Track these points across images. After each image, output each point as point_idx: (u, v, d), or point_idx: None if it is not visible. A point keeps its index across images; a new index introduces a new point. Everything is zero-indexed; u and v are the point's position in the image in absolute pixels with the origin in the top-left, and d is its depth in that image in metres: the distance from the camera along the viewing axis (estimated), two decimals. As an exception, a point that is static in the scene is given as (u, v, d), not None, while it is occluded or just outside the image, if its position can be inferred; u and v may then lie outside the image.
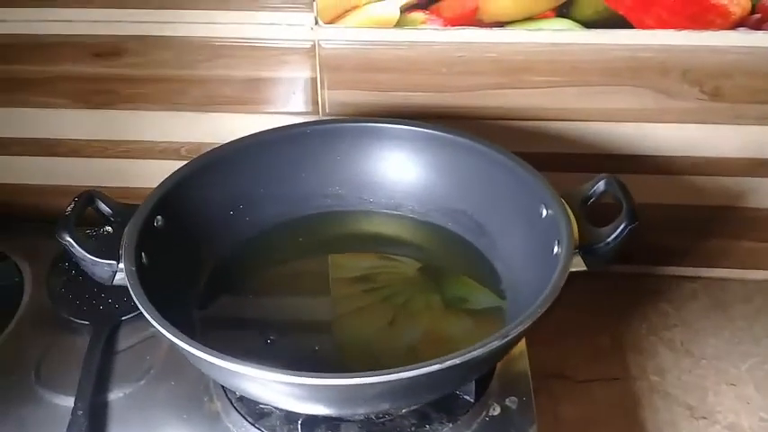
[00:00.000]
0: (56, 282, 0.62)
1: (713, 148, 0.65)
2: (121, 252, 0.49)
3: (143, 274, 0.48)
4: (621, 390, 0.63)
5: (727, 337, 0.69)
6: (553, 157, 0.65)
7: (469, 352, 0.40)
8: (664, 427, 0.60)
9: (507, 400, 0.50)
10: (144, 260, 0.50)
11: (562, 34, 0.60)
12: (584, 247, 0.47)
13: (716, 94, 0.63)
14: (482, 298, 0.56)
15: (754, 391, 0.63)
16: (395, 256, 0.62)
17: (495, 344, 0.40)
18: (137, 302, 0.45)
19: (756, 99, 0.63)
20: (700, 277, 0.73)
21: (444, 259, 0.61)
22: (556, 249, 0.49)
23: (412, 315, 0.55)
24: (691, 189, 0.68)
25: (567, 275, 0.45)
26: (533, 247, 0.52)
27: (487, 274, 0.57)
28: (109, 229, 0.61)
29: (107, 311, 0.60)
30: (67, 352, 0.57)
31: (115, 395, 0.53)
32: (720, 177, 0.67)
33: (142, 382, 0.55)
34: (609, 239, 0.47)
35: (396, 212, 0.63)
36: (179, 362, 0.55)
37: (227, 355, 0.42)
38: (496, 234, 0.57)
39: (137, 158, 0.68)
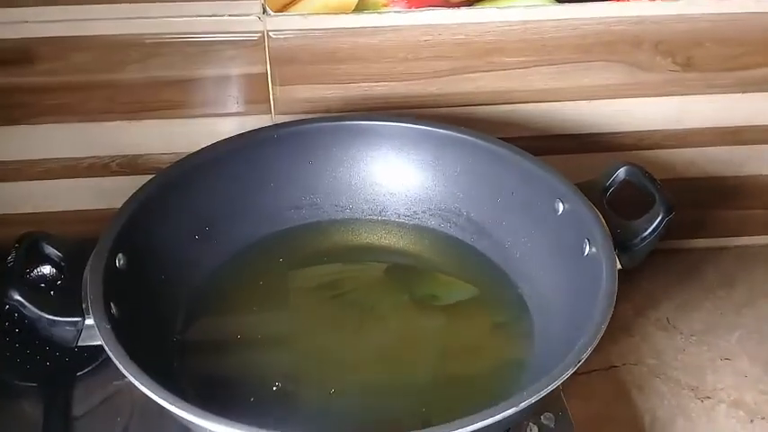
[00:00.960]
0: (-14, 339, 0.52)
1: (689, 120, 0.64)
2: (86, 305, 0.40)
3: (117, 330, 0.40)
4: (622, 378, 0.60)
5: (709, 308, 0.68)
6: (529, 141, 0.61)
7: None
8: (674, 414, 0.58)
9: (543, 417, 0.46)
10: (114, 311, 0.42)
11: (534, 11, 0.57)
12: (618, 245, 0.43)
13: (688, 65, 0.61)
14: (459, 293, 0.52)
15: (749, 364, 0.63)
16: (388, 265, 0.57)
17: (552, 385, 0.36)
18: (121, 368, 0.37)
19: (727, 67, 0.62)
20: (672, 249, 0.72)
21: (442, 265, 0.56)
22: (587, 249, 0.45)
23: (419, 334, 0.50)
24: (665, 163, 0.66)
25: (617, 278, 0.40)
26: (551, 247, 0.48)
27: (494, 277, 0.53)
28: (45, 269, 0.52)
29: (57, 368, 0.52)
30: (17, 424, 0.49)
31: (89, 472, 0.45)
32: (693, 149, 0.65)
33: None
34: (645, 234, 0.44)
35: (379, 218, 0.58)
36: (157, 417, 0.47)
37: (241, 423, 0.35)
38: (502, 234, 0.53)
39: (59, 178, 0.60)
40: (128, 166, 0.60)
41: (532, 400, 0.34)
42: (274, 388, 0.46)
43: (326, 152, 0.56)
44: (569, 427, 0.46)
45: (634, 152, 0.64)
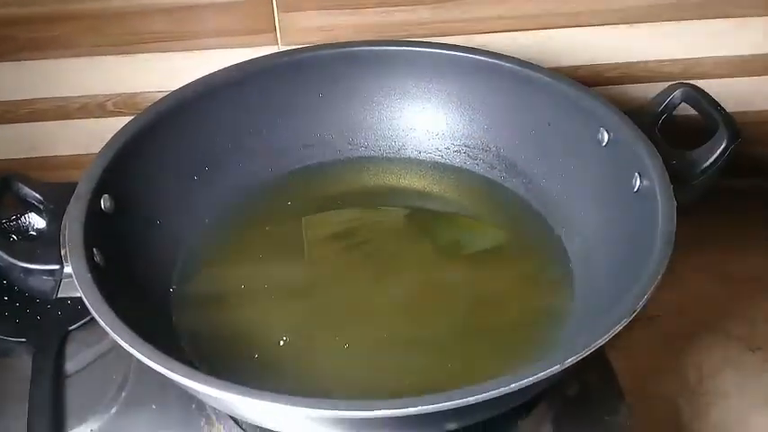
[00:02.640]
0: (-31, 293, 0.49)
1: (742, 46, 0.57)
2: (65, 252, 0.36)
3: (100, 280, 0.35)
4: (665, 329, 0.55)
5: (760, 253, 0.62)
6: (565, 72, 0.55)
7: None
8: (722, 366, 0.54)
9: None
10: (97, 259, 0.37)
11: None
12: (675, 178, 0.37)
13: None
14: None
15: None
16: (408, 210, 0.51)
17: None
18: (102, 323, 0.33)
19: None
20: (719, 188, 0.66)
21: (469, 207, 0.51)
22: (638, 183, 0.39)
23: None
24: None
25: (675, 216, 0.35)
26: (594, 183, 0.42)
27: (527, 219, 0.48)
28: (32, 218, 0.48)
29: (47, 321, 0.48)
30: (3, 382, 0.45)
31: (80, 434, 0.42)
32: (745, 78, 0.59)
33: (114, 411, 0.43)
34: (705, 165, 0.38)
35: (398, 156, 0.52)
36: (157, 375, 0.42)
37: (241, 384, 0.30)
38: (536, 171, 0.47)
39: (48, 120, 0.57)
40: (124, 105, 0.56)
41: (584, 353, 0.29)
42: (281, 343, 0.41)
43: (338, 83, 0.51)
44: (613, 382, 0.41)
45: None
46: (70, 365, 0.46)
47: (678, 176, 0.38)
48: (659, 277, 0.33)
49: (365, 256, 0.47)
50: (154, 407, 0.43)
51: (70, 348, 0.46)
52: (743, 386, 0.51)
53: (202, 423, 0.42)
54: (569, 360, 0.29)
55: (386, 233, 0.50)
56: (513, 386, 0.29)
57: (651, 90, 0.54)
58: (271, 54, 0.51)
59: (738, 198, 0.64)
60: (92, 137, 0.56)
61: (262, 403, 0.31)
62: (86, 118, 0.57)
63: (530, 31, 0.54)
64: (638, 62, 0.57)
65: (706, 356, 0.53)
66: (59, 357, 0.46)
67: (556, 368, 0.29)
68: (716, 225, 0.62)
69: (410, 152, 0.52)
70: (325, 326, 0.43)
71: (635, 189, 0.40)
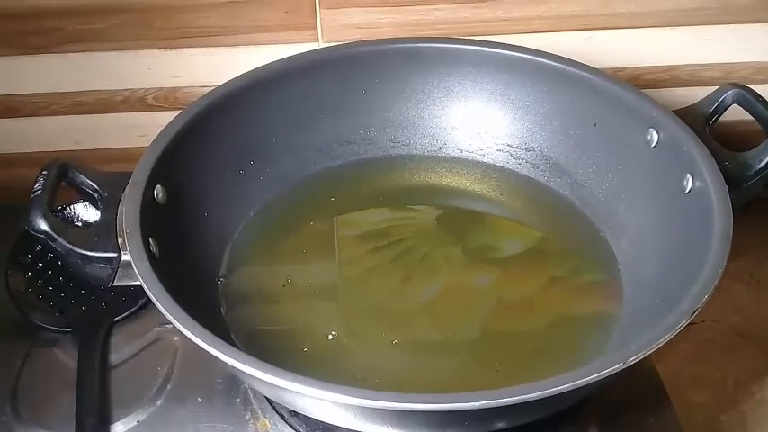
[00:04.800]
0: (18, 281, 0.48)
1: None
2: (122, 241, 0.36)
3: (156, 268, 0.35)
4: (702, 336, 0.55)
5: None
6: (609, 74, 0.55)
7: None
8: (759, 374, 0.53)
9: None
10: (153, 248, 0.37)
11: None
12: (727, 180, 0.37)
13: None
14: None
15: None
16: (455, 206, 0.51)
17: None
18: (163, 311, 0.33)
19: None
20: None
21: (510, 207, 0.50)
22: (689, 184, 0.39)
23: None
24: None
25: (732, 216, 0.35)
26: (643, 184, 0.42)
27: (572, 220, 0.47)
28: (79, 207, 0.48)
29: (93, 312, 0.48)
30: (50, 373, 0.45)
31: (126, 425, 0.42)
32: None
33: (159, 403, 0.43)
34: (759, 167, 0.38)
35: (440, 155, 0.52)
36: (202, 367, 0.43)
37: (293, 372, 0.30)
38: (581, 172, 0.47)
39: (92, 113, 0.56)
40: (165, 99, 0.56)
41: (649, 350, 0.29)
42: (329, 337, 0.41)
43: (382, 80, 0.51)
44: (659, 387, 0.41)
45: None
46: (115, 357, 0.46)
47: (730, 179, 0.38)
48: (718, 277, 0.33)
49: (403, 256, 0.47)
50: (199, 399, 0.43)
51: (115, 340, 0.46)
52: (780, 394, 0.51)
53: (248, 417, 0.42)
54: (632, 358, 0.29)
55: (423, 234, 0.49)
56: (577, 383, 0.28)
57: (691, 94, 0.54)
58: (316, 49, 0.52)
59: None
60: (132, 131, 0.57)
61: (309, 389, 0.30)
62: (128, 112, 0.57)
63: (570, 32, 0.54)
64: (678, 65, 0.56)
65: (743, 364, 0.53)
66: (105, 348, 0.46)
67: (618, 366, 0.29)
68: (750, 232, 0.61)
69: (452, 151, 0.52)
70: (371, 322, 0.42)
71: (686, 191, 0.40)
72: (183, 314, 0.33)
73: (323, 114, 0.50)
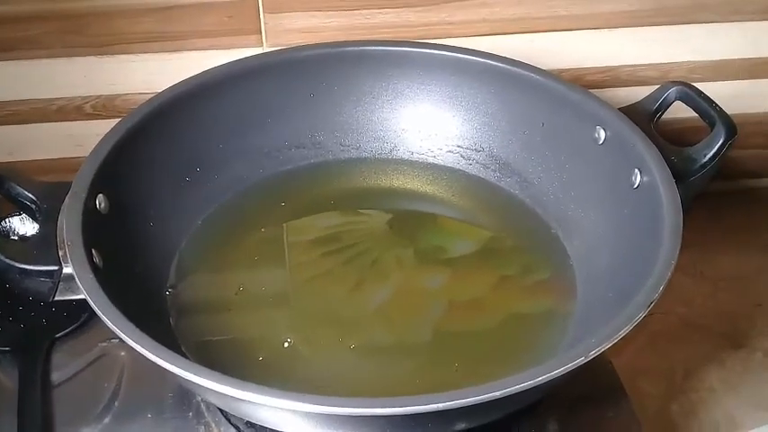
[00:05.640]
0: (-51, 300, 0.46)
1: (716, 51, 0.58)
2: (63, 253, 0.34)
3: (101, 280, 0.34)
4: (651, 328, 0.56)
5: (734, 253, 0.64)
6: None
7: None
8: (708, 363, 0.55)
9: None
10: (96, 260, 0.36)
11: None
12: (674, 175, 0.38)
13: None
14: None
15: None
16: (406, 209, 0.51)
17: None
18: (109, 323, 0.32)
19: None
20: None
21: (461, 208, 0.51)
22: (637, 180, 0.39)
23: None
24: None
25: (681, 209, 0.35)
26: (591, 180, 0.43)
27: (524, 218, 0.48)
28: (15, 220, 0.46)
29: (33, 330, 0.46)
30: (-12, 394, 0.42)
31: (72, 447, 0.40)
32: (718, 83, 0.60)
33: (106, 421, 0.41)
34: (705, 160, 0.38)
35: (390, 157, 0.52)
36: (152, 382, 0.42)
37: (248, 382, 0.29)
38: (531, 170, 0.48)
39: (26, 123, 0.55)
40: (103, 108, 0.55)
41: (610, 342, 0.29)
42: (285, 345, 0.40)
43: (329, 84, 0.50)
44: (615, 380, 0.42)
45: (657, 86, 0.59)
46: (58, 375, 0.44)
47: (677, 173, 0.39)
48: (671, 269, 0.34)
49: (354, 261, 0.47)
50: (149, 415, 0.41)
51: (57, 358, 0.44)
52: (728, 382, 0.52)
53: (201, 431, 0.41)
54: (593, 351, 0.29)
55: (374, 237, 0.49)
56: (541, 379, 0.28)
57: (633, 94, 0.55)
58: (261, 54, 0.51)
59: (713, 199, 0.66)
60: (69, 141, 0.55)
61: (274, 400, 0.30)
62: (64, 121, 0.55)
63: (513, 35, 0.55)
64: (618, 66, 0.57)
65: (691, 354, 0.54)
66: (46, 367, 0.44)
67: (580, 360, 0.29)
68: (693, 226, 0.63)
69: (402, 153, 0.52)
70: (326, 328, 0.42)
71: (635, 186, 0.40)
72: (130, 326, 0.31)
73: (270, 119, 0.49)
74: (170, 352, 0.30)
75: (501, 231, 0.49)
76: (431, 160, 0.52)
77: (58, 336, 0.45)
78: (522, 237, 0.48)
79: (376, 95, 0.51)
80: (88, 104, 0.54)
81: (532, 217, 0.48)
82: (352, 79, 0.50)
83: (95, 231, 0.37)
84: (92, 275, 0.33)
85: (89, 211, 0.37)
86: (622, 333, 0.31)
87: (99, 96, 0.54)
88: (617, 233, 0.40)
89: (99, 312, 0.32)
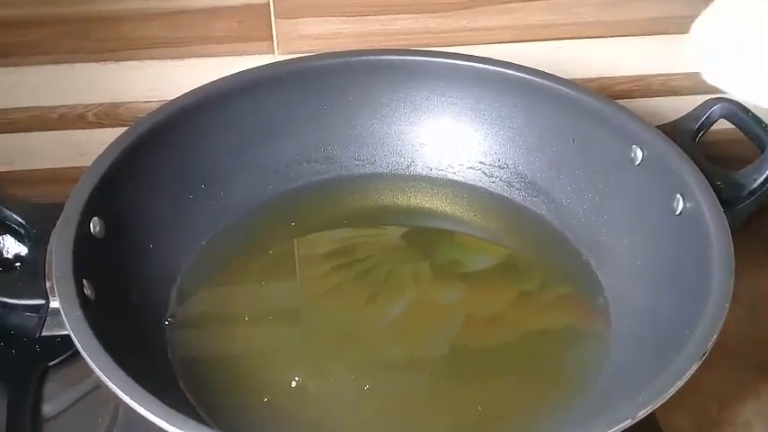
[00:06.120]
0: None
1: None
2: (51, 285, 0.31)
3: (90, 316, 0.31)
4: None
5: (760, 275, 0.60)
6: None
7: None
8: (743, 395, 0.51)
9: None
10: (87, 291, 0.33)
11: None
12: (720, 201, 0.35)
13: None
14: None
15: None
16: (423, 226, 0.48)
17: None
18: (98, 373, 0.29)
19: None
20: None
21: (482, 228, 0.48)
22: (680, 206, 0.36)
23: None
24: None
25: (731, 238, 0.32)
26: (626, 204, 0.39)
27: (547, 239, 0.45)
28: (7, 240, 0.43)
29: (24, 356, 0.42)
30: (-25, 428, 0.40)
31: (64, 488, 0.38)
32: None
33: None
34: (754, 186, 0.35)
35: (408, 173, 0.49)
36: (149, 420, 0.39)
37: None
38: (558, 190, 0.45)
39: (27, 131, 0.53)
40: (106, 116, 0.53)
41: (650, 408, 0.26)
42: (293, 384, 0.37)
43: (344, 95, 0.47)
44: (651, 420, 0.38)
45: (692, 97, 0.54)
46: (49, 407, 0.41)
47: (723, 200, 0.35)
48: (725, 313, 0.30)
49: (368, 274, 0.44)
50: (147, 454, 0.39)
51: (49, 387, 0.41)
52: (764, 415, 0.49)
53: (202, 472, 0.38)
54: (641, 412, 0.26)
55: (392, 257, 0.46)
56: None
57: (665, 105, 0.52)
58: (271, 63, 0.48)
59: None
60: (73, 150, 0.53)
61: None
62: (66, 129, 0.53)
63: (537, 42, 0.52)
64: (649, 75, 0.54)
65: (725, 386, 0.51)
66: (37, 397, 0.41)
67: (627, 422, 0.26)
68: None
69: (420, 169, 0.49)
70: (341, 364, 0.39)
71: (677, 212, 0.37)
72: (120, 373, 0.29)
73: (280, 132, 0.47)
74: (163, 406, 0.27)
75: (526, 253, 0.46)
76: (451, 177, 0.49)
77: (51, 364, 0.42)
78: (547, 259, 0.45)
79: (393, 107, 0.49)
80: (90, 112, 0.53)
81: (561, 240, 0.45)
82: (368, 90, 0.48)
83: (88, 259, 0.35)
84: (79, 312, 0.31)
85: (82, 236, 0.35)
86: (672, 390, 0.28)
87: (101, 104, 0.52)
88: (656, 263, 0.37)
89: (84, 354, 0.29)
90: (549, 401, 0.37)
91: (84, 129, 0.52)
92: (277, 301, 0.42)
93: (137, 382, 0.29)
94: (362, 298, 0.42)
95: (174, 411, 0.27)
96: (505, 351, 0.40)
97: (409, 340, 0.40)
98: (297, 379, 0.37)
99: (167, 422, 0.27)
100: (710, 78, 0.37)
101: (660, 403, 0.27)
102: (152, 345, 0.38)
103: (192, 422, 0.27)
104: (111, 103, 0.52)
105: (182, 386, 0.36)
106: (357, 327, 0.41)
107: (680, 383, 0.28)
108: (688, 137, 0.39)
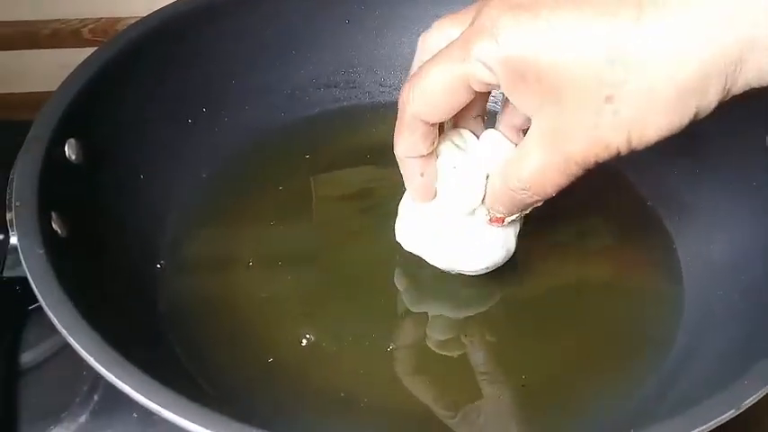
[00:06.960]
0: None
1: None
2: (11, 216, 0.26)
3: (58, 256, 0.26)
4: None
5: None
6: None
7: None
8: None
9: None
10: (56, 226, 0.28)
11: None
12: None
13: None
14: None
15: None
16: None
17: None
18: (59, 326, 0.24)
19: None
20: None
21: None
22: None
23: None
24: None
25: None
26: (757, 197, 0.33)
27: (637, 216, 0.39)
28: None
29: (1, 299, 0.38)
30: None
31: (41, 449, 0.34)
32: None
33: (82, 419, 0.35)
34: None
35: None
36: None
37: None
38: (665, 171, 0.39)
39: (13, 49, 0.50)
40: (103, 33, 0.50)
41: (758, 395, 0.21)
42: (303, 342, 0.32)
43: (369, 8, 0.43)
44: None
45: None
46: (28, 356, 0.37)
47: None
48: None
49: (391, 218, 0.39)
50: (135, 416, 0.34)
51: (29, 335, 0.37)
52: None
53: (196, 437, 0.34)
54: (748, 401, 0.21)
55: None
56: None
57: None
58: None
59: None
60: (64, 71, 0.49)
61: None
62: (58, 47, 0.50)
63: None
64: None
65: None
66: (13, 346, 0.37)
67: (731, 412, 0.20)
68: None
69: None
70: (359, 320, 0.34)
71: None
72: (88, 328, 0.24)
73: (295, 50, 0.43)
74: (146, 377, 0.23)
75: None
76: (491, 107, 0.43)
77: (31, 307, 0.38)
78: (602, 202, 0.39)
79: (425, 24, 0.42)
80: (86, 28, 0.50)
81: (652, 218, 0.38)
82: (397, 3, 0.43)
83: (60, 188, 0.30)
84: (41, 250, 0.26)
85: (53, 160, 0.31)
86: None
87: (99, 19, 0.50)
88: (742, 217, 0.31)
89: (42, 301, 0.24)
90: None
91: (79, 47, 0.50)
92: (287, 245, 0.38)
93: (105, 335, 0.24)
94: (387, 245, 0.36)
95: (147, 377, 0.22)
96: (560, 306, 0.35)
97: (440, 295, 0.35)
98: (308, 336, 0.33)
99: (140, 392, 0.22)
100: None
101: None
102: (136, 290, 0.33)
103: (171, 393, 0.22)
104: (108, 18, 0.50)
105: (173, 345, 0.31)
106: (380, 278, 0.36)
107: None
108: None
